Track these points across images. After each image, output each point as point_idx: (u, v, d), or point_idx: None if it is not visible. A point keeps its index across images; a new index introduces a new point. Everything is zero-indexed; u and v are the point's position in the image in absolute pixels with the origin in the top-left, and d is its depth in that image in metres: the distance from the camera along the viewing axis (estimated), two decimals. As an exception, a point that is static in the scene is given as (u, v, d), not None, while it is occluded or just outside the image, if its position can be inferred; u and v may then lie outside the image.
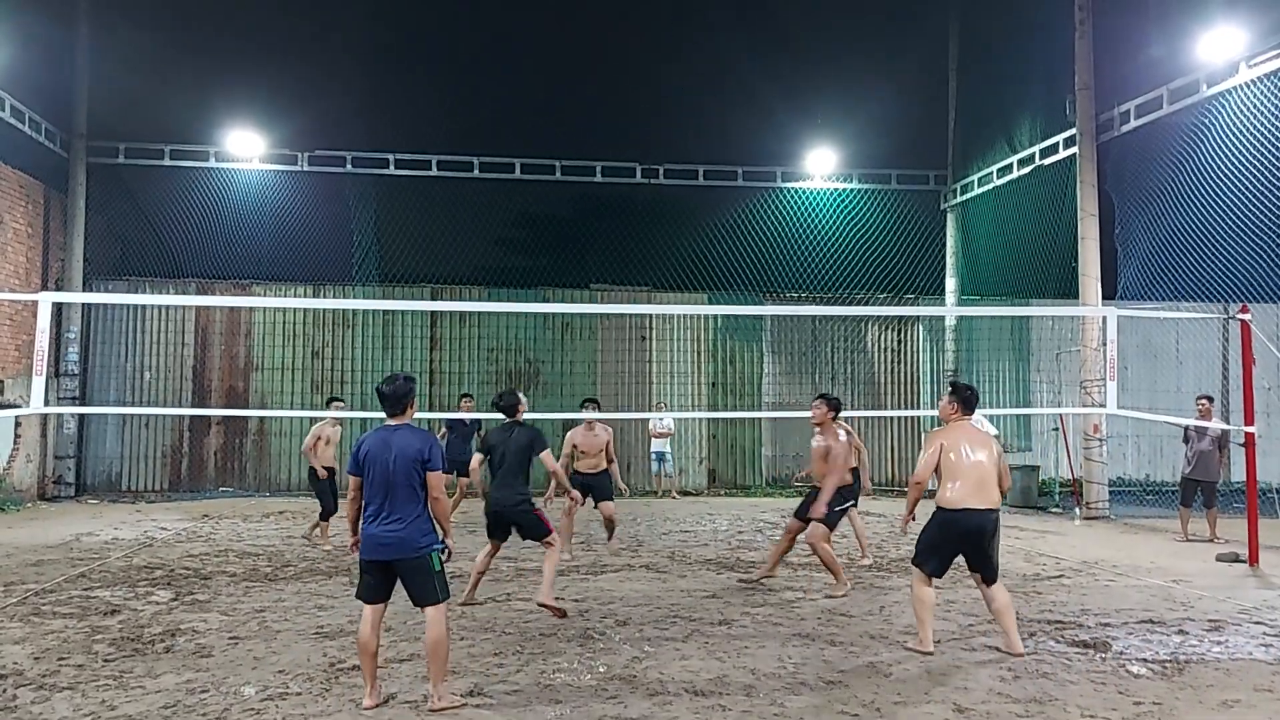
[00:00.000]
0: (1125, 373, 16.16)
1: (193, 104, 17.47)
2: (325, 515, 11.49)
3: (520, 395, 8.35)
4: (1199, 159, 13.56)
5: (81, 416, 17.35)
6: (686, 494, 18.36)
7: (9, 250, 15.52)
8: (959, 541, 6.69)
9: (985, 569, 6.73)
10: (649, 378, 19.25)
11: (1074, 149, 15.33)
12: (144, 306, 17.90)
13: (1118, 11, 14.84)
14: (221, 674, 6.18)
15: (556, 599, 7.89)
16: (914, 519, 7.02)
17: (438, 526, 5.68)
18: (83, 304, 17.23)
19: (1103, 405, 12.16)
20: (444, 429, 14.10)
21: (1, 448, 15.44)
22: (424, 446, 5.58)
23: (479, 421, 13.83)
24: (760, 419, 19.26)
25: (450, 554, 5.75)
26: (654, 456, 17.97)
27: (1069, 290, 15.67)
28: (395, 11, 18.89)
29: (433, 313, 18.65)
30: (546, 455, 7.94)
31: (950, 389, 7.12)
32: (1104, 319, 11.90)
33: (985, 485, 6.64)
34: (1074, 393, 16.48)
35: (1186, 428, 12.64)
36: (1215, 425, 12.36)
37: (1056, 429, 17.26)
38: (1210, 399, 12.79)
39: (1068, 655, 6.76)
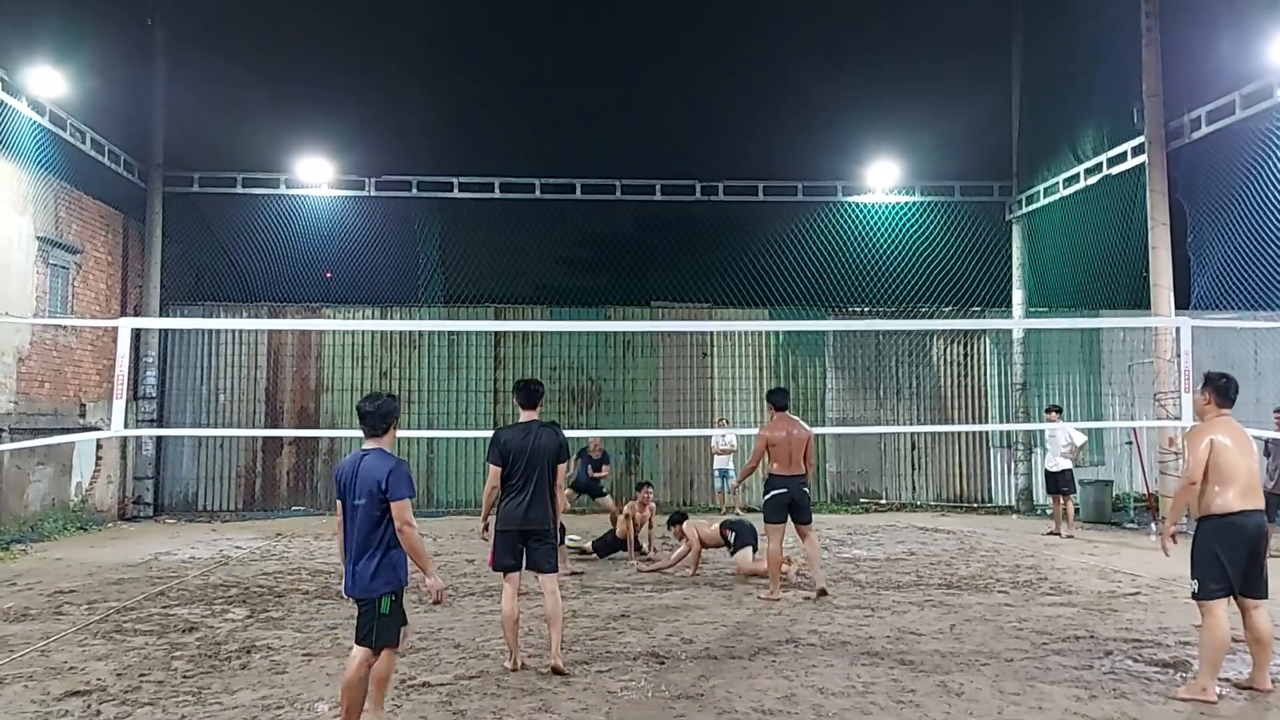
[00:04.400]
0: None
1: (264, 132, 17.92)
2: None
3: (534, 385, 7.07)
4: (1274, 164, 13.20)
5: (159, 438, 17.84)
6: (750, 510, 18.24)
7: (90, 278, 16.06)
8: (1244, 549, 6.04)
9: (1259, 583, 6.09)
10: (711, 394, 19.22)
11: (1143, 157, 15.02)
12: (218, 330, 18.35)
13: (1186, 16, 14.52)
14: (296, 690, 6.30)
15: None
16: (1176, 539, 6.38)
17: (419, 564, 5.25)
18: (160, 329, 17.74)
19: (1178, 418, 11.85)
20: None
21: (84, 469, 15.93)
22: (383, 475, 5.20)
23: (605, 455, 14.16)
24: (824, 435, 19.10)
25: (439, 598, 5.36)
26: (717, 473, 17.92)
27: (1140, 301, 15.32)
28: (459, 37, 19.23)
29: (497, 332, 18.87)
30: (564, 469, 6.98)
31: (1205, 379, 6.41)
32: (1177, 330, 11.62)
33: (1256, 486, 6.17)
34: (1147, 405, 16.09)
35: (1266, 441, 12.28)
36: None
37: (1130, 442, 16.85)
38: None
39: (1146, 675, 6.59)
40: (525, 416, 6.91)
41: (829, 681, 6.45)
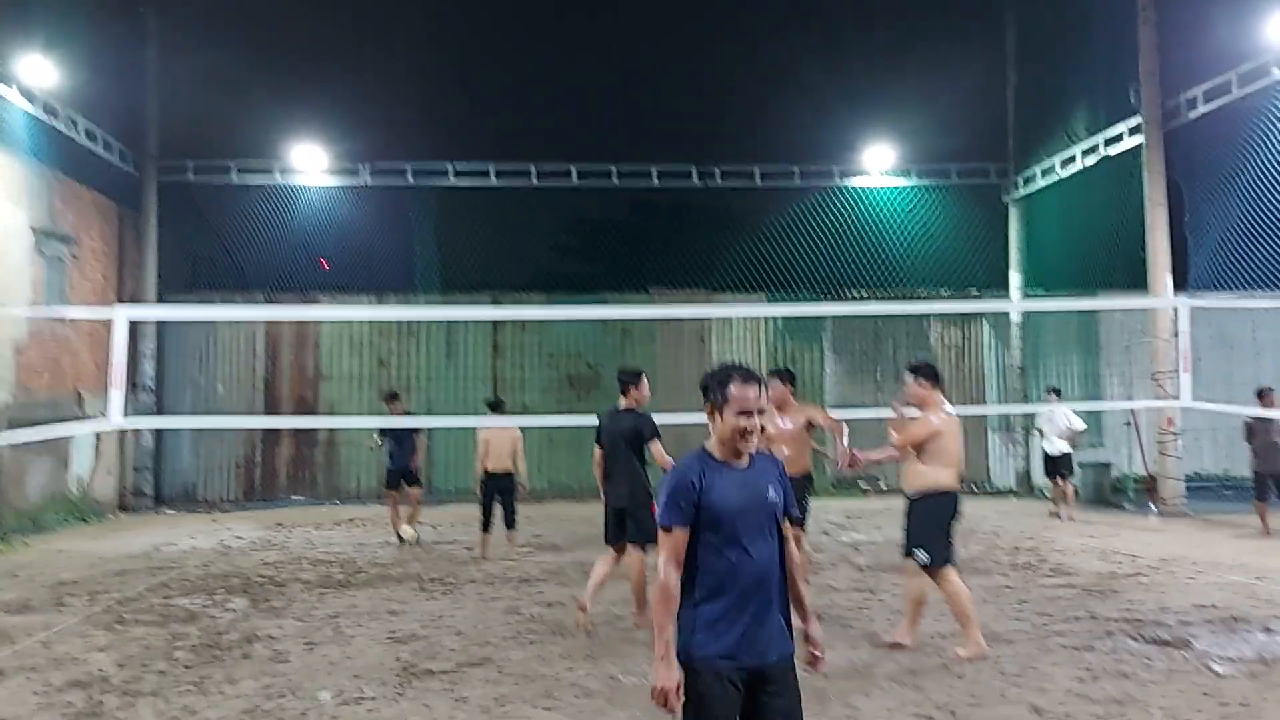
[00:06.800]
0: (1199, 365, 15.65)
1: (258, 120, 17.80)
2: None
3: (636, 374, 7.82)
4: (1272, 143, 13.18)
5: (158, 429, 17.80)
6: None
7: (86, 268, 16.00)
8: (956, 521, 6.80)
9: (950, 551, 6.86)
10: (710, 380, 19.17)
11: (1140, 137, 14.98)
12: (215, 320, 18.30)
13: (1182, -5, 14.49)
14: (298, 679, 6.30)
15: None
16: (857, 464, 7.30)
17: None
18: (157, 319, 17.66)
19: (1176, 398, 11.86)
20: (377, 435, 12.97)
21: (83, 460, 15.90)
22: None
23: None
24: (823, 419, 19.07)
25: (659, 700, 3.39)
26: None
27: (1138, 282, 15.32)
28: (452, 23, 19.12)
29: (494, 320, 18.81)
30: (655, 446, 7.49)
31: (910, 369, 6.89)
32: (1175, 310, 11.62)
33: (961, 466, 6.93)
34: (1146, 386, 16.09)
35: (1247, 421, 12.32)
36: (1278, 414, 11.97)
37: (1129, 423, 16.88)
38: (1271, 389, 12.40)
39: (1148, 654, 6.60)
40: (622, 404, 7.75)
41: (830, 663, 6.44)
